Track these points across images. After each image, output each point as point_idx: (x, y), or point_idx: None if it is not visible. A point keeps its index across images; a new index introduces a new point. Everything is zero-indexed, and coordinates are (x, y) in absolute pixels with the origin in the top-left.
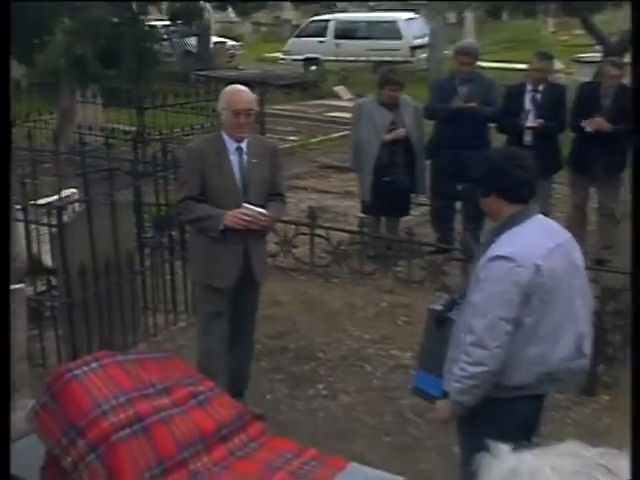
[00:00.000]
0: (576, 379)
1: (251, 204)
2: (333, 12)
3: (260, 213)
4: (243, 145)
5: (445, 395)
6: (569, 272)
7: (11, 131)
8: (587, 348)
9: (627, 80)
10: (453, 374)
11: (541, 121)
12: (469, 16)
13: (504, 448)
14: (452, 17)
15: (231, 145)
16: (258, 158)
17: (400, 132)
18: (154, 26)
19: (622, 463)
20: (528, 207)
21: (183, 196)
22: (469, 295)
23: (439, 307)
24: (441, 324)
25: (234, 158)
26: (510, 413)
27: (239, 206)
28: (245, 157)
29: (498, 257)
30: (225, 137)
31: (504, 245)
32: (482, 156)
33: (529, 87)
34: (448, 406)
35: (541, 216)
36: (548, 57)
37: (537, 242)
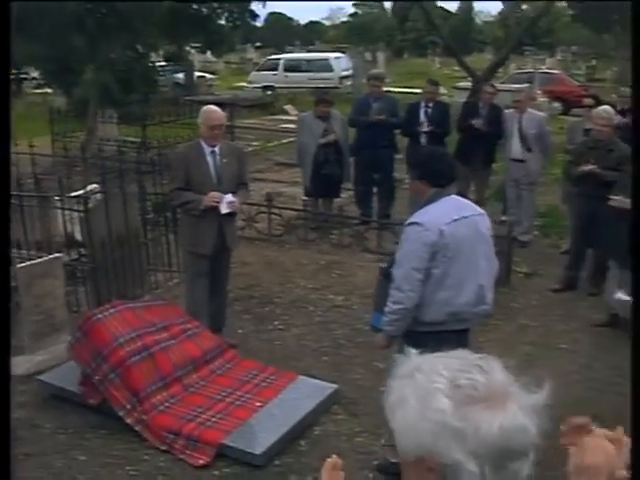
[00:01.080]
0: (479, 319)
1: (231, 193)
2: (283, 53)
3: (232, 201)
4: (216, 149)
5: None
6: (474, 238)
7: (10, 133)
8: (489, 298)
9: (497, 99)
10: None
11: (431, 127)
12: (381, 55)
13: (412, 351)
14: (368, 56)
15: (207, 149)
16: (228, 158)
17: (331, 137)
18: (154, 65)
19: (492, 364)
20: (444, 190)
21: (173, 187)
22: None
23: (385, 265)
24: (386, 277)
25: (210, 159)
26: (423, 343)
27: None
28: (218, 158)
29: (412, 223)
30: (203, 144)
31: (418, 215)
32: (416, 151)
33: (423, 104)
34: (383, 336)
35: (456, 196)
36: (436, 84)
37: (444, 213)
